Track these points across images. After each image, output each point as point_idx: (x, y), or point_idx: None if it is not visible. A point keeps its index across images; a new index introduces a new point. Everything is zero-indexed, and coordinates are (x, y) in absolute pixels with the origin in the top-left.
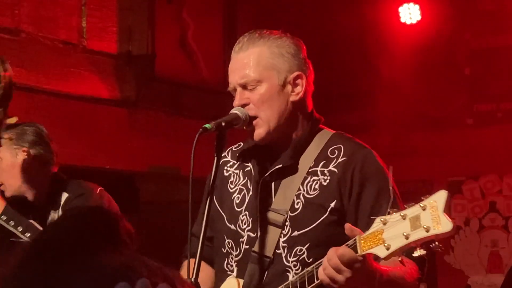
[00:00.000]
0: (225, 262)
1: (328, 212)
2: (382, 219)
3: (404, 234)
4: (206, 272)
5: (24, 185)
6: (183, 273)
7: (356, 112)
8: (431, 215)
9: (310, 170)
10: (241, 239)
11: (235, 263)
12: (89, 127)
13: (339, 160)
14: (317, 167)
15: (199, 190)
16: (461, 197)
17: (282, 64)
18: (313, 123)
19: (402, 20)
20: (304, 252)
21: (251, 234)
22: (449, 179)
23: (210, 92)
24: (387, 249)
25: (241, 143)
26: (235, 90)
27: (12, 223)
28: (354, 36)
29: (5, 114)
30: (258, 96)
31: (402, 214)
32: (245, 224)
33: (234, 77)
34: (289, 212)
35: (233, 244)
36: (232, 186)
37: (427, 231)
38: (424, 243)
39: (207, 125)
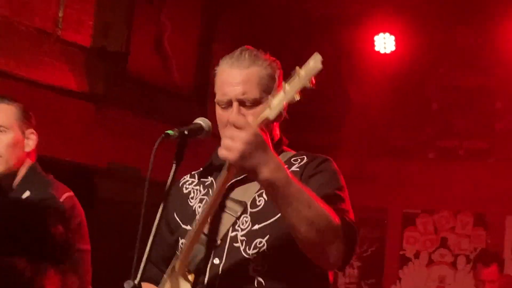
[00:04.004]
0: None
1: None
2: (272, 94)
3: (283, 90)
4: None
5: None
6: None
7: (321, 134)
8: (304, 69)
9: None
10: None
11: None
12: (54, 117)
13: (302, 163)
14: None
15: (156, 193)
16: (414, 229)
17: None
18: (278, 143)
19: (377, 48)
20: (264, 244)
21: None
22: (404, 210)
23: (179, 97)
24: (270, 108)
25: (201, 168)
26: (229, 102)
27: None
28: (328, 58)
29: None
30: (255, 114)
31: (283, 84)
32: None
33: (233, 92)
34: (249, 208)
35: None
36: (192, 200)
37: (299, 75)
38: (302, 90)
39: (169, 131)
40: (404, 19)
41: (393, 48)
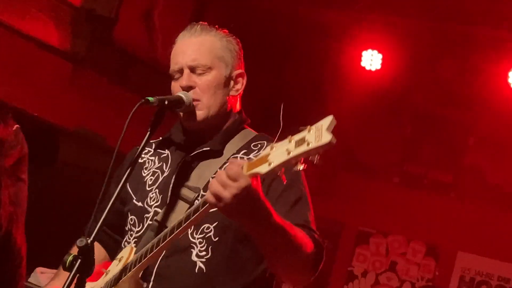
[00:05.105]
0: (124, 240)
1: None
2: (271, 145)
3: (287, 150)
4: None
5: None
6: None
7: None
8: (315, 134)
9: (231, 157)
10: (146, 215)
11: (134, 239)
12: (30, 70)
13: (260, 152)
14: (238, 154)
15: (119, 164)
16: (366, 248)
17: (230, 59)
18: (241, 120)
19: (363, 64)
20: (211, 230)
21: (158, 210)
22: (359, 227)
23: (159, 73)
24: (269, 165)
25: (160, 137)
26: (180, 71)
27: None
28: (313, 65)
29: None
30: (206, 82)
31: (289, 138)
32: (153, 200)
33: (184, 58)
34: (201, 191)
35: (136, 220)
36: (146, 171)
37: (308, 145)
38: (306, 158)
39: (150, 98)
40: (394, 40)
41: (379, 67)
